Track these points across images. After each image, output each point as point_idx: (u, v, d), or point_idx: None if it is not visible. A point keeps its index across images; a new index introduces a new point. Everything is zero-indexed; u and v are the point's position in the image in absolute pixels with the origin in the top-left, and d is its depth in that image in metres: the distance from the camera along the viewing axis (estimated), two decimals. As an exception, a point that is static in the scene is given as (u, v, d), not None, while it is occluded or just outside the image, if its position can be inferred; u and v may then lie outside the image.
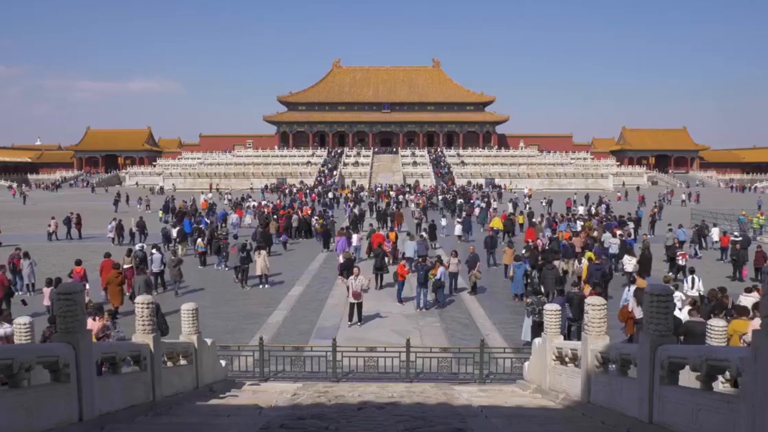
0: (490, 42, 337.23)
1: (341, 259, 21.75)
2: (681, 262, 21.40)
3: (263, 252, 20.78)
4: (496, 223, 31.13)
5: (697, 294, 15.20)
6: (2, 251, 27.55)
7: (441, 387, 10.58)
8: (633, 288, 14.47)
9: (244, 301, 18.41)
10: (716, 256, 26.43)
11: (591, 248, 21.64)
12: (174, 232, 28.23)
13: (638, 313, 12.66)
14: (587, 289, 15.60)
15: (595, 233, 26.00)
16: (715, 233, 28.35)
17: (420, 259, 19.13)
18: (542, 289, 15.53)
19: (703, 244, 28.27)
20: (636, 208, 40.97)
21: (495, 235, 27.14)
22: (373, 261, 21.15)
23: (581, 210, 41.70)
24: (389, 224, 35.52)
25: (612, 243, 23.22)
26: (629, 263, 19.80)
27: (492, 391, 10.34)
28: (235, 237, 28.69)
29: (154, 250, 20.47)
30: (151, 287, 17.44)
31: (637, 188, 77.04)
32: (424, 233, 29.05)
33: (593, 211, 40.48)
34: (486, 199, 50.18)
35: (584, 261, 19.22)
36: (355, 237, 26.53)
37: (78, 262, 17.91)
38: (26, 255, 19.15)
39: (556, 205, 47.05)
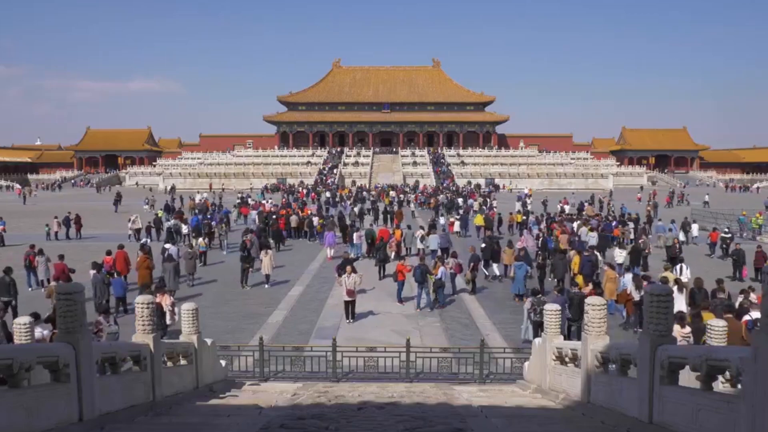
0: (490, 42, 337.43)
1: (329, 253, 22.20)
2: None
3: (270, 252, 20.87)
4: (479, 220, 32.84)
5: (685, 281, 16.05)
6: (3, 251, 27.63)
7: (441, 387, 10.57)
8: (630, 275, 16.12)
9: (244, 301, 18.41)
10: (704, 251, 27.01)
11: (573, 245, 22.56)
12: (184, 228, 29.44)
13: (636, 296, 14.40)
14: (580, 279, 16.33)
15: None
16: (695, 229, 30.48)
17: (422, 261, 19.16)
18: (555, 281, 16.38)
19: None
20: (620, 206, 41.95)
21: (493, 234, 27.47)
22: (374, 259, 21.31)
23: (567, 209, 42.44)
24: (390, 223, 35.79)
25: (591, 237, 24.89)
26: (620, 256, 21.24)
27: (492, 391, 10.34)
28: (251, 231, 29.24)
29: (167, 245, 21.41)
30: (179, 274, 18.91)
31: (641, 188, 77.05)
32: (421, 230, 29.30)
33: (586, 209, 40.97)
34: (483, 199, 50.33)
35: (572, 254, 20.20)
36: (356, 235, 26.61)
37: (108, 252, 19.36)
38: (41, 252, 19.94)
39: (554, 205, 47.14)
